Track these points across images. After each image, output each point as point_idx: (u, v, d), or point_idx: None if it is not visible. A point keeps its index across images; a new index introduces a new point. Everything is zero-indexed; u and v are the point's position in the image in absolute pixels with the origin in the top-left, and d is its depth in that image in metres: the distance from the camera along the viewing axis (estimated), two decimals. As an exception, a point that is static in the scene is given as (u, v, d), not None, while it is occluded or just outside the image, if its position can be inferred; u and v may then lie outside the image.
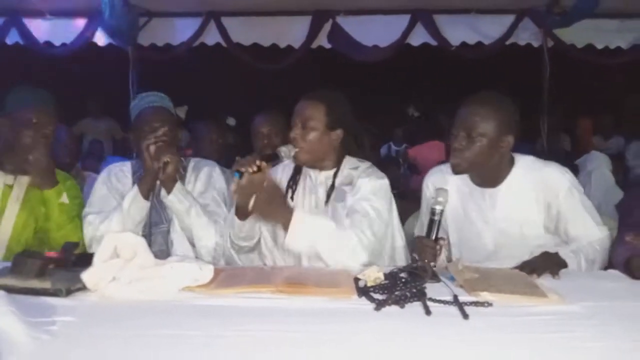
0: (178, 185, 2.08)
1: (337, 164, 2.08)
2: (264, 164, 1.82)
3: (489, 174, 2.01)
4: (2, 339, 1.11)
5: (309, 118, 1.99)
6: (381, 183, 2.03)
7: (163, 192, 2.12)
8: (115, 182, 2.23)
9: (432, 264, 1.75)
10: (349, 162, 2.10)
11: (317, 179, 2.08)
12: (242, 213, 1.91)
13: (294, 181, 2.10)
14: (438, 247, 1.83)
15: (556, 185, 1.96)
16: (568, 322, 1.27)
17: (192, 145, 3.41)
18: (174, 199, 2.07)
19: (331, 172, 2.07)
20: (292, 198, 2.07)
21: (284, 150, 1.95)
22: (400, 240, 2.11)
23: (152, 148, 2.04)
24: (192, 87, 6.96)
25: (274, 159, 1.93)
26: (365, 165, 2.09)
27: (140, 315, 1.33)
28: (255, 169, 1.79)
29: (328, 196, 2.03)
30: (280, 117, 2.82)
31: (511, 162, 2.01)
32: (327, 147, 2.04)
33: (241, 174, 1.78)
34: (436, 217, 1.81)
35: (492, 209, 2.01)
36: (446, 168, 2.06)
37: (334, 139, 2.04)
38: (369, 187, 1.99)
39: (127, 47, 5.02)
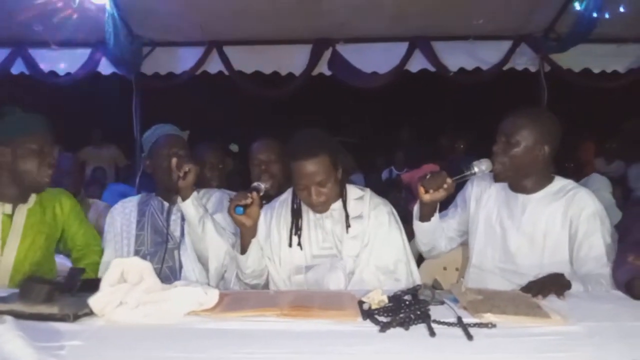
0: (194, 194, 2.14)
1: (340, 195, 2.12)
2: (254, 194, 1.95)
3: (526, 182, 2.11)
4: (11, 363, 1.13)
5: (321, 176, 1.99)
6: (389, 210, 2.15)
7: (174, 210, 2.25)
8: (118, 224, 2.34)
9: (430, 190, 1.96)
10: (351, 191, 2.15)
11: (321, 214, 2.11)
12: (243, 247, 2.02)
13: (296, 226, 2.12)
14: (446, 185, 1.97)
15: (583, 205, 2.03)
16: (570, 342, 1.29)
17: None
18: (190, 204, 2.12)
19: (335, 204, 2.11)
20: (299, 244, 2.09)
21: (258, 184, 2.04)
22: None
23: (174, 160, 2.12)
24: (195, 114, 7.02)
25: (254, 190, 2.00)
26: (367, 194, 2.16)
27: (146, 339, 1.34)
28: (251, 200, 1.92)
29: (347, 223, 2.08)
30: (278, 144, 2.82)
31: (550, 179, 2.12)
32: (337, 187, 2.08)
33: (244, 208, 1.89)
34: (465, 170, 1.99)
35: (521, 212, 2.10)
36: (491, 177, 2.17)
37: (339, 176, 2.08)
38: (386, 219, 2.11)
39: (131, 76, 5.08)
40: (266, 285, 2.15)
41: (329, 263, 2.05)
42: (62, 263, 2.38)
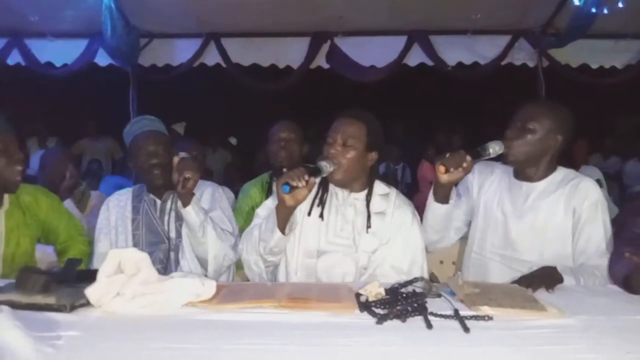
0: (195, 199, 2.11)
1: (367, 187, 2.08)
2: (312, 179, 1.85)
3: (532, 170, 2.12)
4: (8, 353, 1.13)
5: (351, 136, 1.99)
6: (413, 211, 2.11)
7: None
8: (113, 217, 2.30)
9: (451, 169, 1.90)
10: (378, 187, 2.10)
11: (345, 200, 2.07)
12: (284, 226, 1.93)
13: (321, 199, 2.06)
14: (465, 164, 1.92)
15: (586, 193, 2.05)
16: (566, 335, 1.30)
17: None
18: (191, 210, 2.09)
19: (360, 195, 2.07)
20: (321, 216, 2.04)
21: (325, 164, 1.94)
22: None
23: (176, 159, 2.10)
24: (192, 107, 7.00)
25: (316, 172, 1.90)
26: (393, 192, 2.12)
27: (143, 329, 1.34)
28: (304, 184, 1.82)
29: (368, 222, 2.02)
30: (298, 126, 2.86)
31: (554, 168, 2.14)
32: (362, 168, 2.04)
33: (290, 188, 1.80)
34: (481, 151, 1.97)
35: (524, 200, 2.12)
36: (496, 163, 2.19)
37: (369, 160, 2.05)
38: (409, 219, 2.07)
39: (128, 68, 5.05)
40: (274, 266, 2.09)
41: (342, 253, 2.01)
42: (45, 252, 2.36)
